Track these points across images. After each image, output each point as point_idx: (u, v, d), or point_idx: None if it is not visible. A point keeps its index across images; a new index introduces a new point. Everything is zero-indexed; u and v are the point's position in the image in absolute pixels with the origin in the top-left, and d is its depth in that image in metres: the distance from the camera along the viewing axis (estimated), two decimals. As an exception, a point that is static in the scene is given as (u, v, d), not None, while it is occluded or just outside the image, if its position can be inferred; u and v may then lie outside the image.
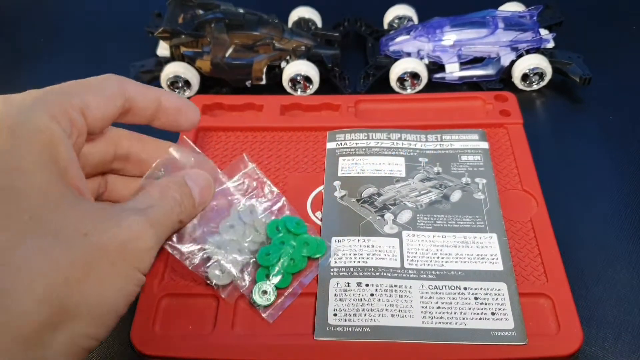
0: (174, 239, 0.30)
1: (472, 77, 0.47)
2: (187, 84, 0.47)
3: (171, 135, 0.33)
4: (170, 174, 0.29)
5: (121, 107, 0.27)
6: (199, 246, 0.31)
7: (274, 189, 0.35)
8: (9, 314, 0.20)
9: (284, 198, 0.35)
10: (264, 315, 0.32)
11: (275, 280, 0.32)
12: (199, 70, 0.47)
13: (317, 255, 0.33)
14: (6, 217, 0.21)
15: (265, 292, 0.32)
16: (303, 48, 0.47)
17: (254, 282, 0.32)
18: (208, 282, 0.32)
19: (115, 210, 0.25)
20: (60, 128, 0.24)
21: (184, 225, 0.29)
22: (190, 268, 0.31)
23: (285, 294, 0.32)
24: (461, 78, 0.47)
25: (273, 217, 0.34)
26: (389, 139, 0.41)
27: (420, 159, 0.39)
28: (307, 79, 0.46)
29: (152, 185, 0.28)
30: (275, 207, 0.35)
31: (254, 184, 0.35)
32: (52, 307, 0.21)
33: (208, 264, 0.32)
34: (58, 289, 0.21)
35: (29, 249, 0.21)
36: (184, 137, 0.33)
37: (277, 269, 0.32)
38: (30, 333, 0.21)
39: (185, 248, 0.31)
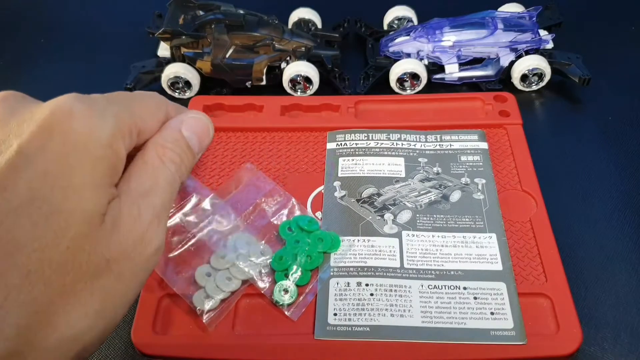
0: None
1: (471, 77, 0.47)
2: (188, 84, 0.47)
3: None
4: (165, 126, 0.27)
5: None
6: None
7: (282, 191, 0.35)
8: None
9: (293, 199, 0.36)
10: (287, 313, 0.32)
11: (295, 278, 0.32)
12: (199, 71, 0.47)
13: (333, 250, 0.34)
14: (46, 248, 0.20)
15: (286, 291, 0.32)
16: (303, 49, 0.47)
17: (273, 282, 0.32)
18: (191, 305, 0.32)
19: (126, 210, 0.23)
20: (124, 147, 0.23)
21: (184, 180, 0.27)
22: (174, 289, 0.32)
23: (306, 290, 0.32)
24: (461, 79, 0.47)
25: (284, 219, 0.35)
26: (389, 139, 0.41)
27: (419, 159, 0.40)
28: (307, 80, 0.46)
29: (149, 150, 0.25)
30: (286, 210, 0.35)
31: (264, 187, 0.35)
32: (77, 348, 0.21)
33: (195, 291, 0.32)
34: (84, 335, 0.21)
35: (67, 290, 0.21)
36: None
37: (295, 267, 0.33)
38: None
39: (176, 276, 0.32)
